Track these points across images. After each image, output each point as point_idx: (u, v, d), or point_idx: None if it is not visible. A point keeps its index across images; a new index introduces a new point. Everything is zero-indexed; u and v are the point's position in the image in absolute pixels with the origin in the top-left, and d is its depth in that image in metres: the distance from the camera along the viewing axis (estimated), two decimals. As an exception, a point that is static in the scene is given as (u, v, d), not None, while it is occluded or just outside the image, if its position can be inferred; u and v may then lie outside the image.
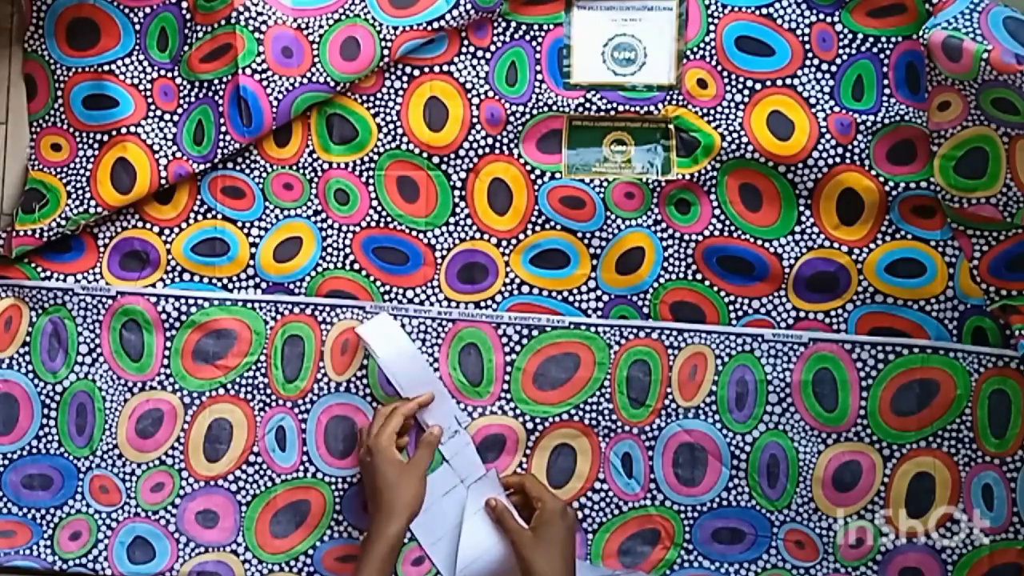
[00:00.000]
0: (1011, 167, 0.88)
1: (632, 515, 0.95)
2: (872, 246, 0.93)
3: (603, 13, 0.97)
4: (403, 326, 0.95)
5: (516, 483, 0.93)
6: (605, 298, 0.96)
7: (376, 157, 0.96)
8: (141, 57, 0.97)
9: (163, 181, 0.94)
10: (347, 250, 0.96)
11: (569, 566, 0.86)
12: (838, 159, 0.92)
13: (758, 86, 0.94)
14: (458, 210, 0.96)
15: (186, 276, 0.97)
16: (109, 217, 0.96)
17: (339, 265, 0.97)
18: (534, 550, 0.86)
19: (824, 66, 0.94)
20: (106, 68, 0.96)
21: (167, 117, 0.96)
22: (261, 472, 0.96)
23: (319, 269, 0.97)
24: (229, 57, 0.93)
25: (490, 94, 0.95)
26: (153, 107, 0.96)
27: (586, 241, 0.95)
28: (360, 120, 0.96)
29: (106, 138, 0.95)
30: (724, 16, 0.95)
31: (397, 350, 0.93)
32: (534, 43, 0.96)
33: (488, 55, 0.96)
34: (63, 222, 0.94)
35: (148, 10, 0.97)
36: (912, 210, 0.93)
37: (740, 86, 0.95)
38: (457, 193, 0.96)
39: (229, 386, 0.96)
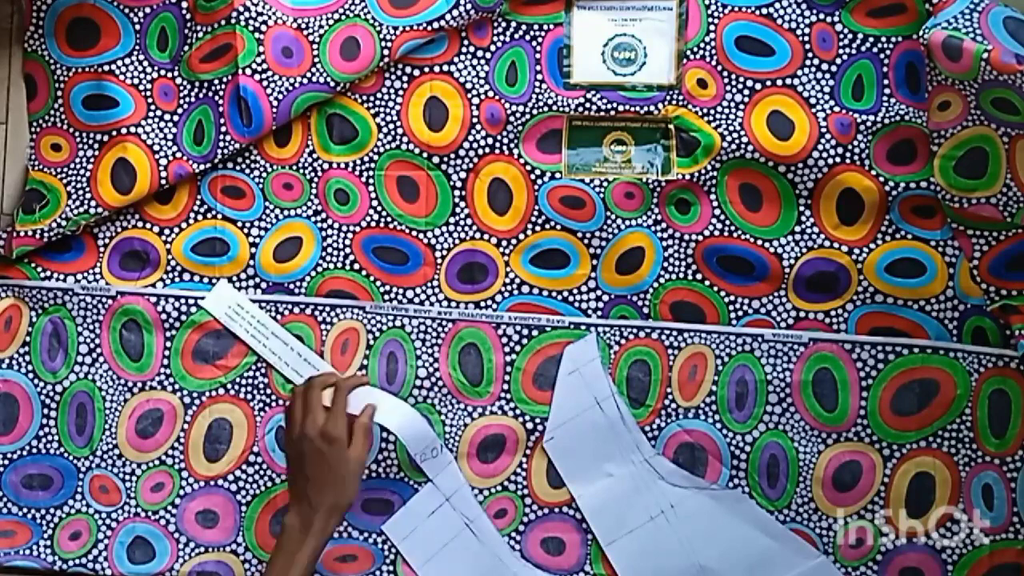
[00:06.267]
0: (1011, 167, 0.88)
1: (632, 515, 0.95)
2: (872, 246, 0.93)
3: (603, 13, 0.97)
4: (403, 327, 0.95)
5: None
6: (605, 298, 0.96)
7: (376, 157, 0.96)
8: (141, 57, 0.97)
9: (163, 181, 0.94)
10: (347, 250, 0.96)
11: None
12: (838, 159, 0.92)
13: (758, 86, 0.94)
14: (458, 210, 0.96)
15: (186, 276, 0.97)
16: (109, 217, 0.96)
17: (339, 265, 0.97)
18: None
19: (824, 66, 0.94)
20: (106, 68, 0.96)
21: (167, 117, 0.96)
22: (261, 472, 0.96)
23: (319, 269, 0.97)
24: (229, 57, 0.93)
25: (490, 94, 0.95)
26: (153, 107, 0.96)
27: (586, 241, 0.95)
28: (360, 120, 0.96)
29: (106, 138, 0.95)
30: (724, 16, 0.95)
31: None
32: (534, 43, 0.96)
33: (488, 55, 0.96)
34: (63, 222, 0.94)
35: (148, 10, 0.97)
36: (912, 210, 0.93)
37: (740, 86, 0.95)
38: (457, 193, 0.96)
39: (229, 386, 0.96)
